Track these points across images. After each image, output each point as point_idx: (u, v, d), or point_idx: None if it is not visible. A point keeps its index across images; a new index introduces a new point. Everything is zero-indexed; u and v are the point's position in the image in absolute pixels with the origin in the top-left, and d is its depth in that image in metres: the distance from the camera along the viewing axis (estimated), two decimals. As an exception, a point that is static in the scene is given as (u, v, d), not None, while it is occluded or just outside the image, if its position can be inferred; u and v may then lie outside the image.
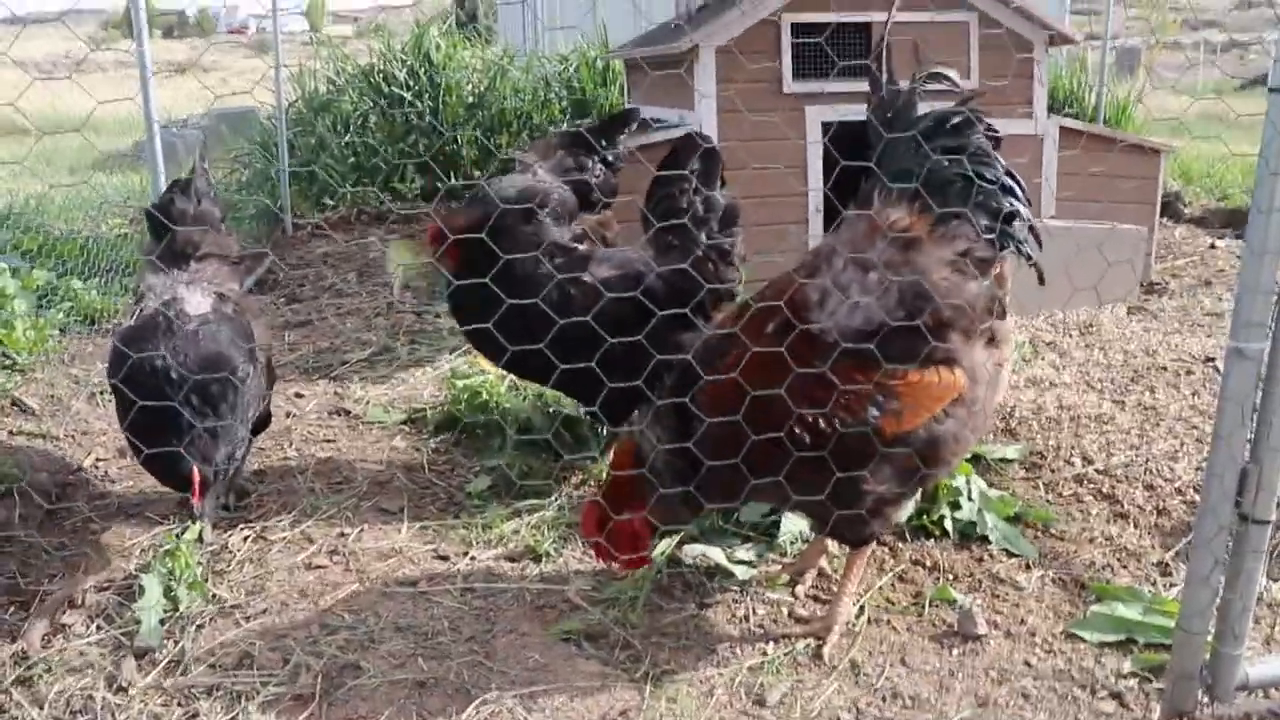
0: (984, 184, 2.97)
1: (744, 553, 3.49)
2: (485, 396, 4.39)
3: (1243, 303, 2.36)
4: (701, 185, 3.98)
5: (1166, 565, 3.54)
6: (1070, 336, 5.98)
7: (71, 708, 2.80)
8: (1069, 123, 7.33)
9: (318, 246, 8.51)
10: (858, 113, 5.76)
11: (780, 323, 2.84)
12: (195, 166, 4.33)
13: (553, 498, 3.90)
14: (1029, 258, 3.11)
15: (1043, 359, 5.49)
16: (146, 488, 4.10)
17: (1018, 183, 3.09)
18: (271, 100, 8.99)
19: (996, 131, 3.15)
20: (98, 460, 4.38)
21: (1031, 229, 3.12)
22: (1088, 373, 5.30)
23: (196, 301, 3.72)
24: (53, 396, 4.94)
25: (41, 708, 2.78)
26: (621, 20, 11.12)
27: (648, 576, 3.33)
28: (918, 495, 3.24)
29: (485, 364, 4.53)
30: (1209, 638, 2.62)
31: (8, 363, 5.12)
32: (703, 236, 3.91)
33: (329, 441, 4.54)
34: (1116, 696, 2.86)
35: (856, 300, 2.84)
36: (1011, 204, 3.03)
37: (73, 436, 4.56)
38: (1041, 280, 3.18)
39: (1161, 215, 8.68)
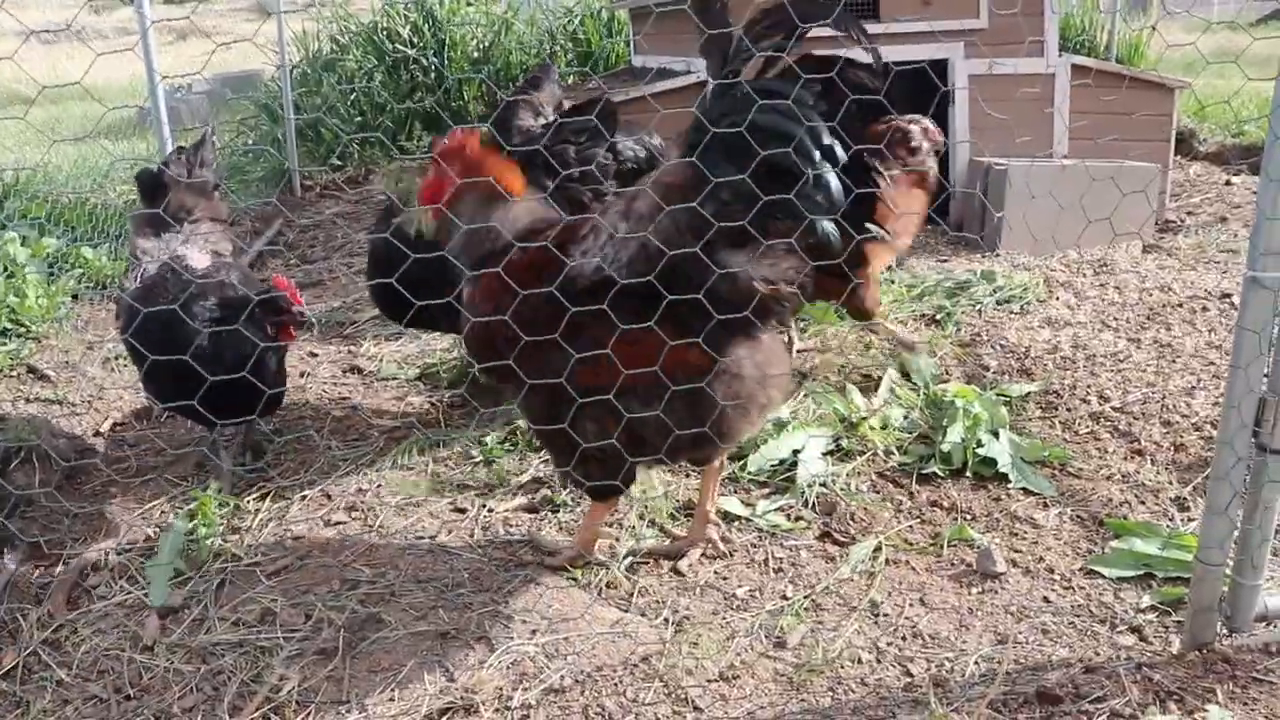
0: None
1: (765, 503, 3.50)
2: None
3: (1260, 231, 2.33)
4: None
5: (1184, 500, 3.53)
6: (1084, 275, 5.93)
7: (98, 668, 2.83)
8: (1080, 60, 7.24)
9: (327, 206, 8.49)
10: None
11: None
12: (204, 134, 4.34)
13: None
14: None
15: (1057, 298, 5.45)
16: (163, 449, 4.13)
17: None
18: (275, 62, 8.94)
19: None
20: (114, 424, 4.40)
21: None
22: (1103, 311, 5.26)
23: (196, 257, 3.76)
24: (67, 362, 4.95)
25: (70, 668, 2.82)
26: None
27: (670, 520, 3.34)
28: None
29: None
30: (1227, 570, 2.61)
31: (21, 330, 5.14)
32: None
33: (344, 399, 4.55)
34: (1136, 630, 2.86)
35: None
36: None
37: (88, 401, 4.58)
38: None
39: (1176, 153, 8.58)
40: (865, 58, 2.84)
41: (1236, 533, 2.59)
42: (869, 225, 2.84)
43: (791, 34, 2.75)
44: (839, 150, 2.70)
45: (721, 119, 2.66)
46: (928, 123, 4.48)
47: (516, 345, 2.74)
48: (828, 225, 2.69)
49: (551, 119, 4.35)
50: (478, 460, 3.87)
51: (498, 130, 4.25)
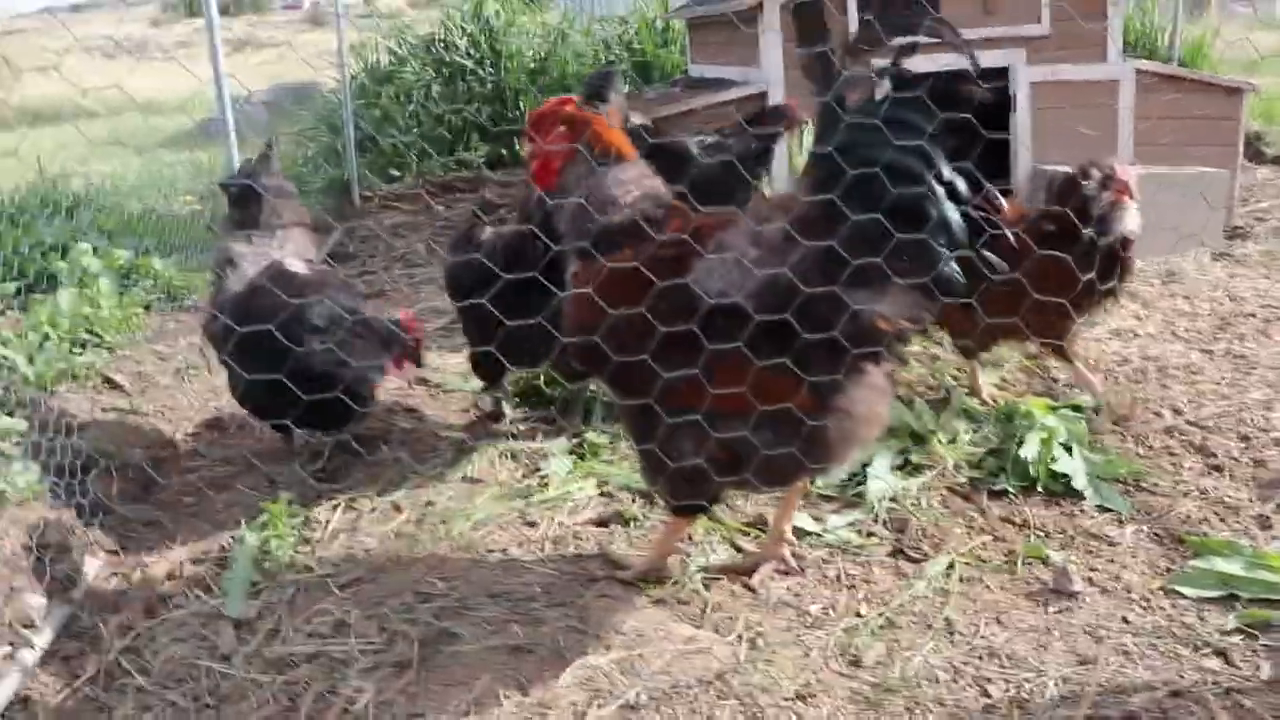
0: None
1: (836, 518, 3.48)
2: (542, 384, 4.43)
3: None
4: None
5: (1266, 518, 3.46)
6: (1152, 285, 5.84)
7: (177, 676, 2.87)
8: (1145, 64, 7.16)
9: (386, 217, 8.58)
10: (934, 64, 5.67)
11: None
12: (267, 145, 4.43)
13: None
14: None
15: (1125, 308, 5.37)
16: (235, 459, 4.18)
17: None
18: (334, 75, 9.06)
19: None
20: (187, 435, 4.47)
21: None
22: (1172, 322, 5.18)
23: (294, 264, 3.85)
24: (140, 373, 5.03)
25: (149, 675, 2.86)
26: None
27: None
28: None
29: None
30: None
31: (97, 340, 5.23)
32: None
33: (411, 411, 4.59)
34: (1221, 654, 2.80)
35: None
36: None
37: (161, 412, 4.65)
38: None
39: (1243, 157, 8.43)
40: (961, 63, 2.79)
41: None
42: (990, 258, 2.77)
43: (906, 48, 2.73)
44: (962, 186, 2.67)
45: (848, 153, 2.62)
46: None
47: (619, 354, 2.74)
48: (953, 266, 2.67)
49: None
50: (547, 473, 3.88)
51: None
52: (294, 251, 4.04)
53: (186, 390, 4.89)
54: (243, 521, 3.65)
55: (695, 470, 2.81)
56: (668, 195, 3.03)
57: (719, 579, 3.18)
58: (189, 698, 2.79)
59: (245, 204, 4.13)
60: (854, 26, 6.42)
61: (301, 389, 3.39)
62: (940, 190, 2.64)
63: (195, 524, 3.72)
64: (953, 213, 2.65)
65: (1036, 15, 6.70)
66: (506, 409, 4.41)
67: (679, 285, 2.70)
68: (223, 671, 2.86)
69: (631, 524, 3.51)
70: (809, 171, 2.80)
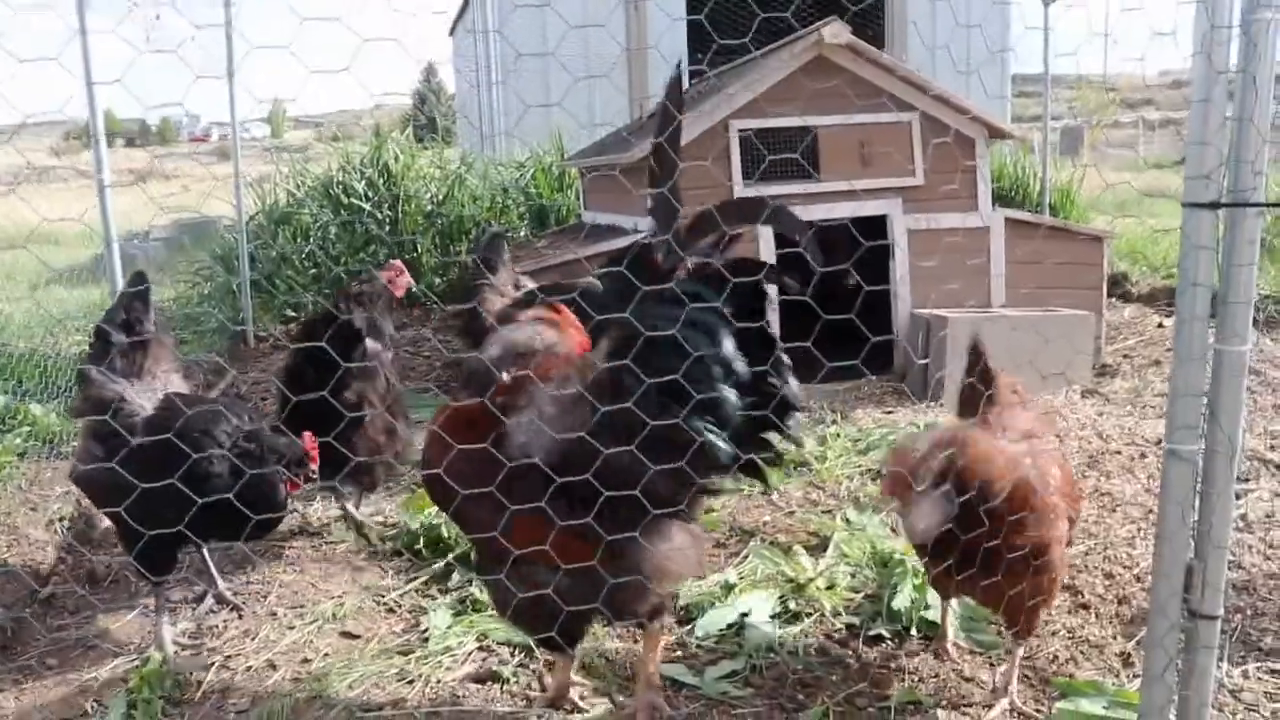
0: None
1: (712, 669, 3.49)
2: (445, 534, 4.39)
3: (1175, 407, 2.43)
4: None
5: (1128, 655, 3.57)
6: (1026, 424, 6.06)
7: None
8: (1013, 213, 7.56)
9: (280, 359, 8.50)
10: (814, 213, 5.94)
11: None
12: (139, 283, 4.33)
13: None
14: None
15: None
16: (104, 618, 4.06)
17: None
18: (232, 212, 9.07)
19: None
20: (54, 591, 4.32)
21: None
22: (1044, 460, 5.36)
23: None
24: (8, 525, 4.88)
25: None
26: (577, 108, 11.39)
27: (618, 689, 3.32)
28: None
29: None
30: (1169, 735, 2.64)
31: (-36, 491, 5.07)
32: None
33: (292, 564, 4.51)
34: (1084, 796, 2.86)
35: None
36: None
37: (30, 567, 4.50)
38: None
39: (1110, 295, 8.89)
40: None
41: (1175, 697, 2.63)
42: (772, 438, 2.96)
43: (723, 238, 2.92)
44: (740, 367, 2.84)
45: (646, 321, 2.76)
46: None
47: (456, 493, 2.84)
48: (721, 444, 2.83)
49: (515, 295, 4.51)
50: (426, 629, 3.83)
51: (470, 322, 4.42)
52: (178, 386, 4.10)
53: (57, 543, 4.74)
54: (109, 685, 3.54)
55: (529, 608, 2.88)
56: (539, 344, 3.11)
57: (597, 735, 3.17)
58: None
59: (130, 350, 4.10)
60: (739, 187, 6.71)
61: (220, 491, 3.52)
62: (718, 370, 2.82)
63: (58, 686, 3.58)
64: (727, 391, 2.81)
65: (910, 167, 7.07)
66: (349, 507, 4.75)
67: (496, 436, 2.85)
68: None
69: (507, 683, 3.47)
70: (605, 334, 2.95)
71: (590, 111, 11.43)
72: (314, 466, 3.99)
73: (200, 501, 3.39)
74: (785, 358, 2.90)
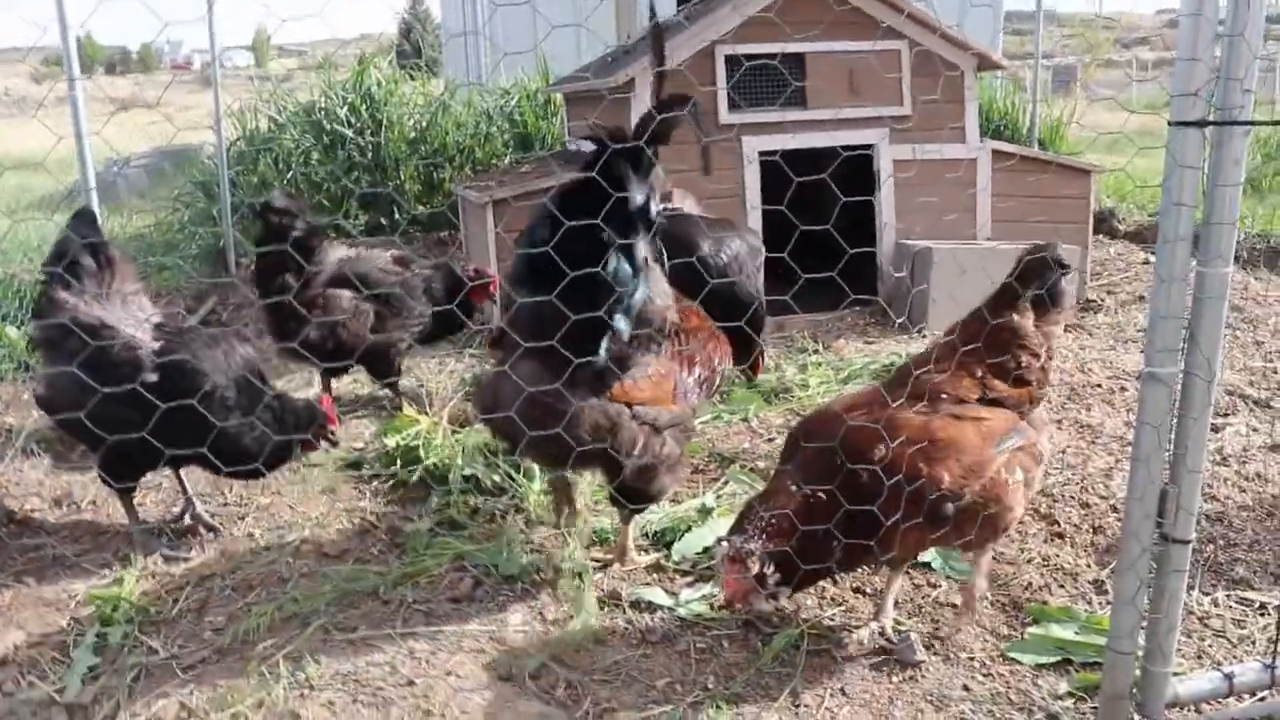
0: None
1: (689, 591, 3.51)
2: (421, 452, 4.37)
3: (1155, 329, 2.42)
4: None
5: (1102, 583, 3.60)
6: (1008, 356, 6.06)
7: (1, 771, 2.75)
8: (1001, 145, 7.49)
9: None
10: (798, 143, 5.87)
11: None
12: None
13: (496, 537, 3.90)
14: None
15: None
16: (83, 538, 4.04)
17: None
18: (214, 139, 8.93)
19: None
20: (31, 511, 4.31)
21: None
22: (1025, 393, 5.37)
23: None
24: (-17, 446, 4.85)
25: (-29, 770, 2.73)
26: (564, 51, 11.21)
27: (587, 613, 3.34)
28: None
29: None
30: (1138, 657, 2.66)
31: (-61, 412, 5.03)
32: None
33: (269, 487, 4.50)
34: (1053, 718, 2.90)
35: None
36: None
37: (5, 487, 4.48)
38: None
39: (1097, 232, 8.87)
40: None
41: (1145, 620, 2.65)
42: None
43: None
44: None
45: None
46: None
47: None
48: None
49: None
50: (404, 549, 3.84)
51: None
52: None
53: (34, 464, 4.72)
54: (85, 602, 3.54)
55: None
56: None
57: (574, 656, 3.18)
58: (13, 792, 2.67)
59: (99, 271, 4.01)
60: (724, 114, 6.62)
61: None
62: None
63: (34, 605, 3.57)
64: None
65: (899, 98, 6.98)
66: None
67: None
68: (50, 764, 2.75)
69: (485, 599, 3.48)
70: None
71: (578, 54, 11.20)
72: (334, 429, 4.06)
73: (208, 443, 3.52)
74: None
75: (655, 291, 3.51)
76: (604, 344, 3.29)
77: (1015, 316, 3.23)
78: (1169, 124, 2.28)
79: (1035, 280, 3.26)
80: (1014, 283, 3.27)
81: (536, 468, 4.26)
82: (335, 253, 5.32)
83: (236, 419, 3.76)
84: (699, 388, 3.69)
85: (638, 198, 3.20)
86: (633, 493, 3.51)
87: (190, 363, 3.73)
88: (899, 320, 6.66)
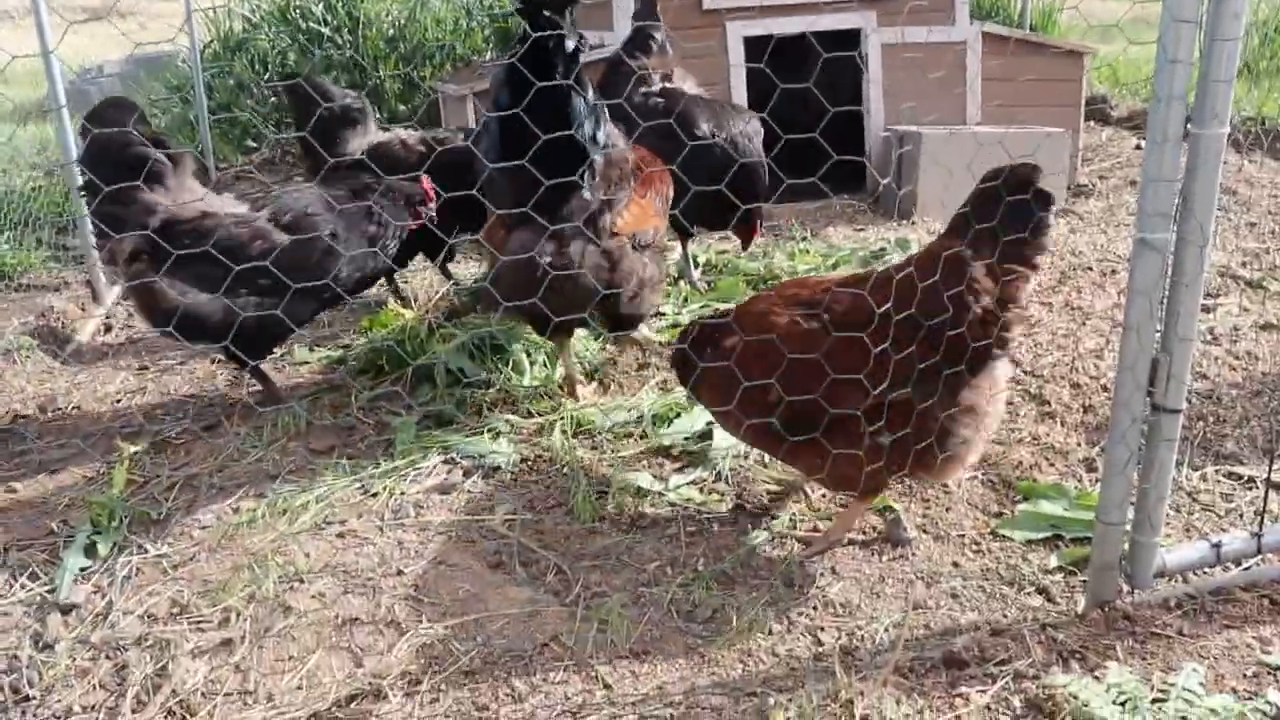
0: None
1: (678, 476, 3.50)
2: (407, 347, 4.31)
3: (1147, 193, 2.35)
4: None
5: (1092, 461, 3.59)
6: (999, 242, 6.00)
7: (-2, 668, 2.75)
8: (991, 28, 7.32)
9: (243, 190, 8.30)
10: (782, 27, 5.74)
11: None
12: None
13: (484, 429, 3.88)
14: None
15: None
16: (69, 442, 4.02)
17: None
18: (188, 43, 8.71)
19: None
20: (17, 416, 4.27)
21: None
22: (1016, 277, 5.32)
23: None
24: (-34, 354, 4.80)
25: (-35, 669, 2.73)
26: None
27: (582, 496, 3.33)
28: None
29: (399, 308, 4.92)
30: (1127, 528, 2.66)
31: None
32: None
33: (254, 384, 4.46)
34: (1043, 591, 2.91)
35: None
36: None
37: (-9, 395, 4.44)
38: None
39: (1089, 118, 8.73)
40: None
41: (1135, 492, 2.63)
42: None
43: None
44: None
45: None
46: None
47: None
48: None
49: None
50: (391, 442, 3.82)
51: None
52: None
53: (17, 371, 4.67)
54: (74, 504, 3.52)
55: None
56: None
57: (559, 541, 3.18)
58: (9, 690, 2.67)
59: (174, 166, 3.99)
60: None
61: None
62: None
63: (23, 508, 3.56)
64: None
65: (886, -24, 6.79)
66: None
67: None
68: (45, 661, 2.75)
69: (473, 490, 3.47)
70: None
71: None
72: (431, 204, 4.53)
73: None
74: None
75: (610, 134, 3.85)
76: (585, 173, 3.65)
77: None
78: (1165, -26, 2.19)
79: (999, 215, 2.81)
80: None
81: (526, 360, 4.25)
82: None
83: (358, 239, 4.14)
84: (664, 205, 4.19)
85: (569, 43, 3.50)
86: (626, 319, 4.00)
87: (306, 214, 4.02)
88: (884, 208, 6.57)
